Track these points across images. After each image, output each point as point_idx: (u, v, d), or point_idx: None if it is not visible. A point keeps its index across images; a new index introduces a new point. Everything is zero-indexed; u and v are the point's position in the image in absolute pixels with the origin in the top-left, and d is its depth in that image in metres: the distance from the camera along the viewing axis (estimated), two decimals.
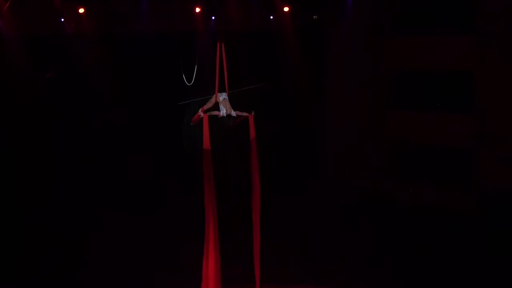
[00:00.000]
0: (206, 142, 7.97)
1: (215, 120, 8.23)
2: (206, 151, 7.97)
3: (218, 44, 8.16)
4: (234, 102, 8.46)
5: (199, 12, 13.43)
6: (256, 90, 15.09)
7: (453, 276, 10.96)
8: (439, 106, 15.01)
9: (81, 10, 12.08)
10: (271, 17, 14.68)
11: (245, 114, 8.27)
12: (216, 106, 8.31)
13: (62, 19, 12.10)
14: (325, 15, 15.51)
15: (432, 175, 15.03)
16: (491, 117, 13.99)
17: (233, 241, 11.36)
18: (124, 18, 12.66)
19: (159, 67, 13.66)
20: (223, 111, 8.17)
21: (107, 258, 11.35)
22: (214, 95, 8.25)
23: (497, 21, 13.68)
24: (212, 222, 8.06)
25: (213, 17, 13.66)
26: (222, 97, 8.21)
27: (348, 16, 14.91)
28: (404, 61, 15.31)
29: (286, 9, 14.33)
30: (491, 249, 11.99)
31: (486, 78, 14.00)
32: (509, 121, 13.69)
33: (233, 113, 8.16)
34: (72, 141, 13.12)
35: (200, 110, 8.00)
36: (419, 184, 15.11)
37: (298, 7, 14.54)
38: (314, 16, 15.57)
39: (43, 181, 12.68)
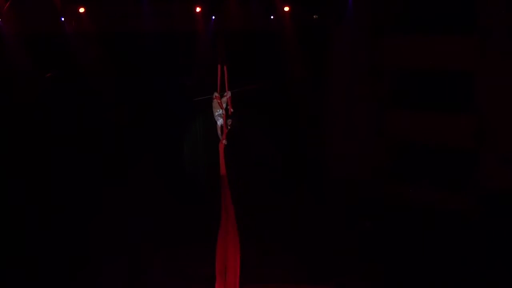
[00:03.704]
0: (222, 168, 8.15)
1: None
2: (222, 177, 8.15)
3: (219, 66, 8.32)
4: (234, 102, 8.53)
5: (200, 12, 13.45)
6: (256, 90, 15.07)
7: (453, 276, 10.97)
8: (439, 106, 15.01)
9: (82, 10, 12.10)
10: (272, 17, 14.67)
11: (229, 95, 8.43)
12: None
13: (63, 19, 12.11)
14: (325, 15, 15.49)
15: (432, 175, 15.03)
16: (491, 117, 13.99)
17: None
18: (124, 17, 12.67)
19: (159, 66, 13.65)
20: (219, 121, 8.42)
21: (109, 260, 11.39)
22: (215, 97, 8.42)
23: (497, 21, 13.68)
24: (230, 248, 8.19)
25: (213, 17, 13.67)
26: (218, 112, 8.38)
27: (349, 16, 14.90)
28: (404, 60, 15.29)
29: (286, 9, 14.34)
30: (491, 249, 12.00)
31: (486, 78, 14.00)
32: (509, 121, 13.69)
33: (228, 122, 8.37)
34: (72, 141, 13.11)
35: (222, 139, 8.32)
36: (419, 184, 15.11)
37: (298, 7, 14.53)
38: (314, 16, 15.55)
39: (42, 182, 12.67)
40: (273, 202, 14.24)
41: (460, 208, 14.03)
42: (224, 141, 8.30)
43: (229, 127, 8.39)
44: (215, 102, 8.46)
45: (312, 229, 13.18)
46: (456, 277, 10.88)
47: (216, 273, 8.35)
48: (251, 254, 9.88)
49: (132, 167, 13.65)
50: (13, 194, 12.20)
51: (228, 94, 8.44)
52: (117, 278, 10.70)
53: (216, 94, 8.45)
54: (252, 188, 13.76)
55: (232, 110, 8.43)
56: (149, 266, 11.27)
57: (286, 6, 14.29)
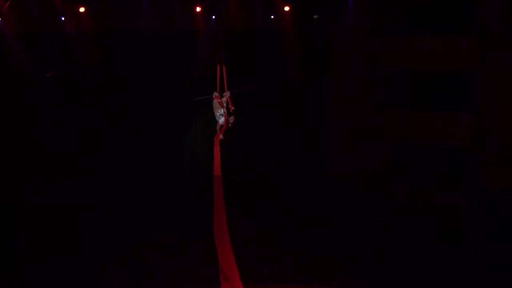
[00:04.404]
0: (217, 169, 8.09)
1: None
2: (216, 177, 8.10)
3: (218, 66, 8.35)
4: (233, 102, 8.57)
5: (200, 11, 13.46)
6: (256, 89, 15.08)
7: (452, 276, 10.98)
8: (439, 106, 15.00)
9: (82, 9, 12.11)
10: (272, 17, 14.67)
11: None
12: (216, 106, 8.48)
13: (63, 18, 12.12)
14: (325, 14, 15.48)
15: (432, 175, 15.02)
16: (491, 117, 13.99)
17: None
18: (124, 17, 12.68)
19: (159, 66, 13.65)
20: (221, 120, 8.46)
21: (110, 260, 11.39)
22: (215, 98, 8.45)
23: (497, 21, 13.68)
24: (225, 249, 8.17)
25: (213, 17, 13.68)
26: (220, 112, 8.43)
27: (349, 16, 14.89)
28: (404, 61, 15.26)
29: (286, 8, 14.34)
30: (491, 249, 12.01)
31: (486, 78, 13.99)
32: (509, 121, 13.70)
33: (230, 120, 8.43)
34: (71, 140, 13.11)
35: (219, 133, 8.34)
36: (419, 184, 15.11)
37: (299, 6, 14.52)
38: (314, 16, 15.54)
39: (41, 181, 12.67)
40: (272, 203, 14.25)
41: (460, 208, 14.03)
42: (221, 136, 8.28)
43: (230, 125, 8.41)
44: (215, 102, 8.48)
45: (312, 229, 13.19)
46: (456, 277, 10.89)
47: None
48: (251, 254, 9.94)
49: (132, 167, 13.65)
50: (12, 194, 12.20)
51: (227, 94, 8.46)
52: (117, 278, 10.70)
53: (215, 94, 8.47)
54: (251, 188, 13.80)
55: (233, 108, 8.45)
56: (149, 266, 11.28)
57: (286, 6, 14.28)
